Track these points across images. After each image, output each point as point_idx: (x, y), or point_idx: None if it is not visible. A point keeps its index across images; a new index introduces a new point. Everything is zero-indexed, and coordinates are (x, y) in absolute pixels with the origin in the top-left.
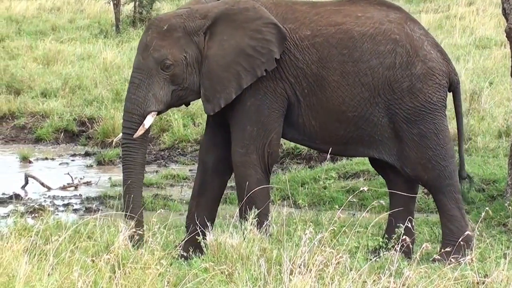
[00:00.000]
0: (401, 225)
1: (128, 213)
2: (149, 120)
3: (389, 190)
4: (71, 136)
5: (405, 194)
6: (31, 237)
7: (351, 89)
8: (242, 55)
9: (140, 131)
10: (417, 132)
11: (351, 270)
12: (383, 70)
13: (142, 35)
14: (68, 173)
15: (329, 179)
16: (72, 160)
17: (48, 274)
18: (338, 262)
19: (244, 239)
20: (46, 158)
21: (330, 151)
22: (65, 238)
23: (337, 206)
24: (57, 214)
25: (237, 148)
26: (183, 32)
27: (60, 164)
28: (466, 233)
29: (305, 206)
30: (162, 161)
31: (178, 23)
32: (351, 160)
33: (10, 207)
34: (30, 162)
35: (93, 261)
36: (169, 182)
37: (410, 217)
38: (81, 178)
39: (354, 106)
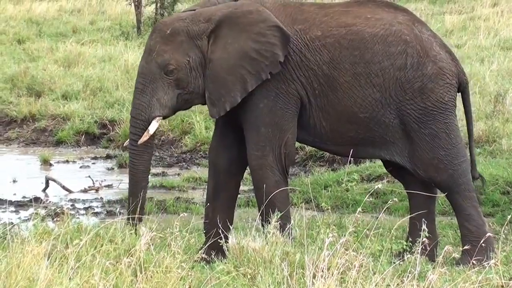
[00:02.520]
0: (425, 227)
1: (130, 217)
2: (153, 126)
3: (407, 191)
4: (92, 138)
5: (423, 193)
6: (52, 240)
7: (363, 90)
8: (246, 59)
9: (144, 137)
10: (429, 132)
11: (374, 274)
12: (394, 71)
13: (147, 39)
14: (89, 176)
15: (352, 182)
16: (93, 163)
17: (69, 278)
18: (361, 266)
19: (267, 242)
20: (67, 161)
21: (339, 152)
22: (86, 241)
23: (360, 209)
24: (78, 218)
25: (253, 151)
26: (186, 36)
27: (81, 167)
28: (488, 234)
29: (328, 209)
30: (184, 163)
31: (181, 27)
32: (374, 162)
33: (31, 210)
34: (50, 165)
35: (114, 264)
36: (191, 185)
37: (432, 219)
38: (102, 181)
39: (366, 107)
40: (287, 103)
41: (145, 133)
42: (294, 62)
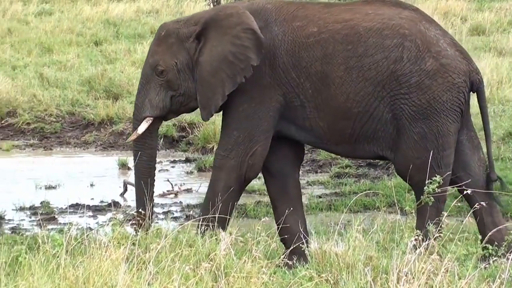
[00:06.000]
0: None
1: (136, 214)
2: (143, 126)
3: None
4: (170, 142)
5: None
6: (130, 245)
7: (355, 84)
8: (225, 62)
9: (132, 136)
10: (418, 131)
11: (460, 279)
12: (389, 64)
13: None
14: (168, 180)
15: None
16: (172, 167)
17: (148, 284)
18: (447, 270)
19: (349, 247)
20: None
21: (340, 152)
22: (165, 246)
23: (444, 212)
24: (157, 222)
25: (219, 150)
26: (176, 38)
27: (159, 170)
28: None
29: (411, 212)
30: None
31: (173, 29)
32: None
33: (109, 215)
34: (129, 169)
35: (194, 269)
36: None
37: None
38: (181, 185)
39: (359, 102)
40: (267, 112)
41: (134, 133)
42: (284, 64)
